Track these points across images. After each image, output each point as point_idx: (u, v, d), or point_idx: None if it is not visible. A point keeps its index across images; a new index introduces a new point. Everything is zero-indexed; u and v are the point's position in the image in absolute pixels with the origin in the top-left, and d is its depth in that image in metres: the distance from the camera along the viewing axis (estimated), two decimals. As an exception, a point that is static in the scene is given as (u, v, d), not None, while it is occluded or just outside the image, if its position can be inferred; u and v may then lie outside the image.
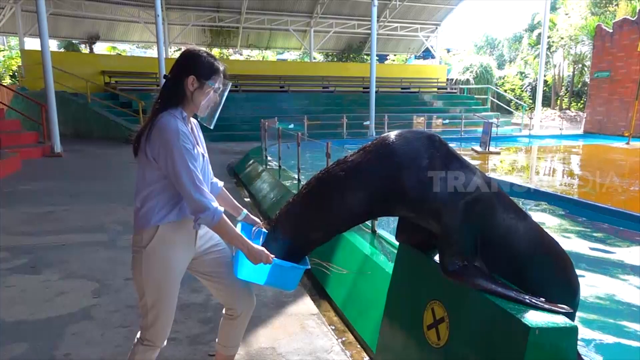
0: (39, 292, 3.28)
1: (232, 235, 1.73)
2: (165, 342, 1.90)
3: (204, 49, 1.83)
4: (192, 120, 1.85)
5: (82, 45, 23.72)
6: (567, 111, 24.61)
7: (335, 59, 26.65)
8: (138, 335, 1.87)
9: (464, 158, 1.81)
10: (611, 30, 16.41)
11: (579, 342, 1.73)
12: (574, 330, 1.44)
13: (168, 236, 1.75)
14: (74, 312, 2.98)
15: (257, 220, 2.08)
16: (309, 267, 1.90)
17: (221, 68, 1.78)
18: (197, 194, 1.64)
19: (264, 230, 2.01)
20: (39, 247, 4.25)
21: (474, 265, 1.68)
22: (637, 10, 15.94)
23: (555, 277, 1.82)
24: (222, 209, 1.69)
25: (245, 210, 2.07)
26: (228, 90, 1.86)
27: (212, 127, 1.87)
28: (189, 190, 1.64)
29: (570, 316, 1.79)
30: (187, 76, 1.72)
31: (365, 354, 2.55)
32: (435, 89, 21.78)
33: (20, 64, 19.62)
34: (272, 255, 1.75)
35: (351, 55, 26.01)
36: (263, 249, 1.74)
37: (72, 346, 2.57)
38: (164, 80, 1.80)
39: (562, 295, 1.78)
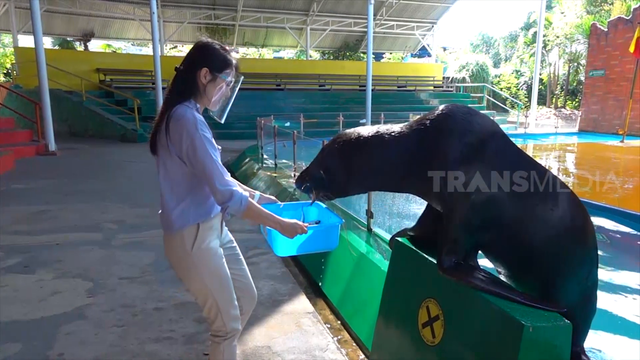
0: (32, 292, 3.26)
1: (263, 215, 1.70)
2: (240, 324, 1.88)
3: (217, 41, 1.78)
4: None
5: (77, 43, 23.56)
6: (563, 109, 24.72)
7: (332, 57, 26.62)
8: (217, 336, 1.82)
9: (530, 157, 1.72)
10: (606, 29, 16.48)
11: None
12: (568, 328, 1.44)
13: (207, 231, 1.74)
14: (68, 312, 2.96)
15: (273, 197, 2.06)
16: (343, 221, 1.90)
17: (234, 61, 1.74)
18: (223, 182, 1.61)
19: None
20: (33, 247, 4.22)
21: (470, 263, 1.67)
22: (632, 9, 16.01)
23: (578, 285, 1.69)
24: (247, 193, 1.66)
25: (258, 192, 2.03)
26: (240, 84, 1.81)
27: (222, 122, 1.84)
28: (213, 180, 1.60)
29: (586, 320, 1.74)
30: (200, 68, 1.68)
31: (360, 352, 2.55)
32: (432, 87, 21.80)
33: (13, 62, 19.48)
34: (306, 224, 1.74)
35: (347, 54, 25.99)
36: (296, 221, 1.73)
37: (66, 346, 2.56)
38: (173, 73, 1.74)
39: (583, 305, 1.70)
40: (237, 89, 1.81)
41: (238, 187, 1.64)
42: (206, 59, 1.69)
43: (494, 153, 1.64)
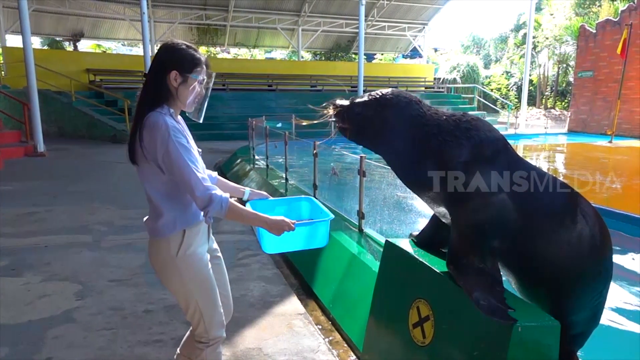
0: (20, 295, 3.21)
1: (248, 216, 1.68)
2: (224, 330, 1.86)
3: (182, 41, 1.73)
4: (179, 117, 1.78)
5: (66, 43, 23.32)
6: (552, 110, 24.98)
7: (323, 58, 26.64)
8: (199, 342, 1.79)
9: (542, 170, 1.73)
10: (594, 31, 16.71)
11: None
12: (556, 328, 1.45)
13: (193, 237, 1.72)
14: (56, 315, 2.92)
15: (264, 193, 2.03)
16: (333, 217, 1.86)
17: (203, 59, 1.70)
18: (201, 188, 1.57)
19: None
20: (21, 249, 4.16)
21: (477, 266, 1.58)
22: (619, 11, 16.24)
23: (591, 301, 1.68)
24: (227, 195, 1.63)
25: (248, 189, 2.00)
26: (213, 81, 1.78)
27: (201, 121, 1.80)
28: (191, 186, 1.57)
29: (589, 331, 1.74)
30: (169, 71, 1.63)
31: (352, 353, 2.55)
32: (423, 88, 21.92)
33: (1, 62, 19.22)
34: (294, 221, 1.71)
35: (339, 54, 26.03)
36: (283, 217, 1.70)
37: (54, 350, 2.52)
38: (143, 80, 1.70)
39: (590, 318, 1.71)
40: (211, 86, 1.78)
41: (217, 190, 1.62)
42: (174, 61, 1.64)
43: (505, 165, 1.64)
